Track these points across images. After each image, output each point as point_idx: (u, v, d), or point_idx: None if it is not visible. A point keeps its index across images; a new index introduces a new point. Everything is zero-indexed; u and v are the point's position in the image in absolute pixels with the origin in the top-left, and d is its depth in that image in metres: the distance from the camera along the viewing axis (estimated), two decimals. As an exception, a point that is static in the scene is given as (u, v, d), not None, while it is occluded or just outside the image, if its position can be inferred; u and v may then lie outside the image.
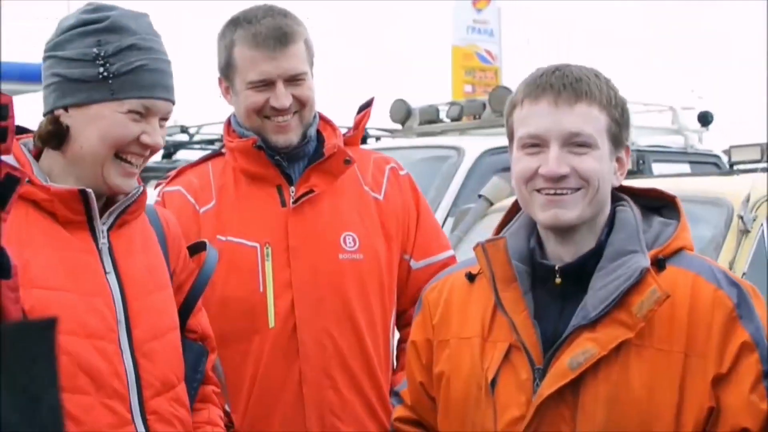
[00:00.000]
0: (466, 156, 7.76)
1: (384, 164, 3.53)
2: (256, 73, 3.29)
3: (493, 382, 2.52)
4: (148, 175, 11.02)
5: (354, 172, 3.44)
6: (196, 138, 11.40)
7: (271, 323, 3.28)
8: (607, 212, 2.55)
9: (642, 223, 2.54)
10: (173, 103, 2.65)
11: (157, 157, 11.61)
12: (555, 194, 2.47)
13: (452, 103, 9.50)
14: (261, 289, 3.29)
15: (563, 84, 2.47)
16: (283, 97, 3.29)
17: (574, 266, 2.51)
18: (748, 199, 5.46)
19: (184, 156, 11.31)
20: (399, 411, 2.88)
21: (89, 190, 2.54)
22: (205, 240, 3.06)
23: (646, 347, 2.42)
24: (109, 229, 2.61)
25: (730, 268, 5.17)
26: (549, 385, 2.43)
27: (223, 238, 3.33)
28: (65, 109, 2.57)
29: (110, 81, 2.54)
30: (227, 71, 3.37)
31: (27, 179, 2.47)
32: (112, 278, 2.57)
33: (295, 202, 3.33)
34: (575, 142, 2.46)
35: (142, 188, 2.67)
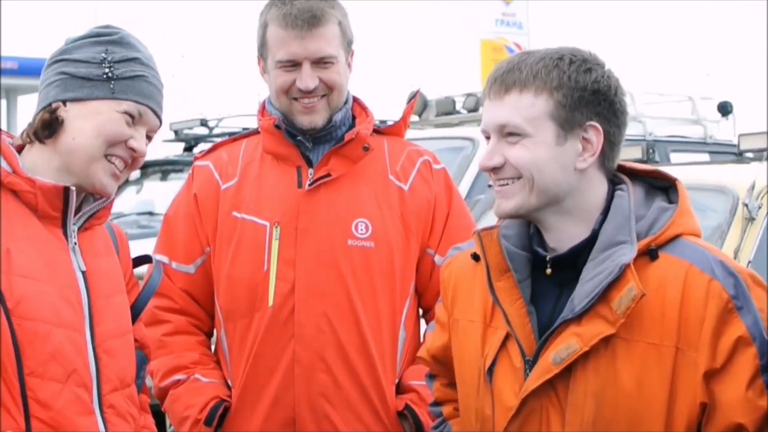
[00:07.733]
0: (480, 147, 7.77)
1: (417, 156, 3.50)
2: (283, 53, 3.33)
3: (491, 369, 2.52)
4: (167, 168, 11.20)
5: (382, 159, 3.45)
6: (216, 131, 11.45)
7: (270, 302, 3.32)
8: (598, 198, 2.51)
9: (641, 207, 2.50)
10: (161, 122, 2.78)
11: (177, 151, 11.71)
12: (499, 186, 2.50)
13: (469, 95, 9.52)
14: (265, 268, 3.34)
15: (495, 78, 2.50)
16: (308, 79, 3.32)
17: (566, 257, 2.50)
18: (753, 187, 5.49)
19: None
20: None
21: (72, 188, 2.63)
22: (151, 254, 3.12)
23: (636, 341, 2.39)
24: (78, 229, 2.70)
25: (735, 257, 5.17)
26: (534, 380, 2.43)
27: (238, 215, 3.40)
28: (64, 103, 2.66)
29: (112, 82, 2.67)
30: (262, 50, 3.43)
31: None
32: (79, 275, 2.64)
33: (311, 184, 3.36)
34: (507, 133, 2.47)
35: (111, 197, 2.76)
